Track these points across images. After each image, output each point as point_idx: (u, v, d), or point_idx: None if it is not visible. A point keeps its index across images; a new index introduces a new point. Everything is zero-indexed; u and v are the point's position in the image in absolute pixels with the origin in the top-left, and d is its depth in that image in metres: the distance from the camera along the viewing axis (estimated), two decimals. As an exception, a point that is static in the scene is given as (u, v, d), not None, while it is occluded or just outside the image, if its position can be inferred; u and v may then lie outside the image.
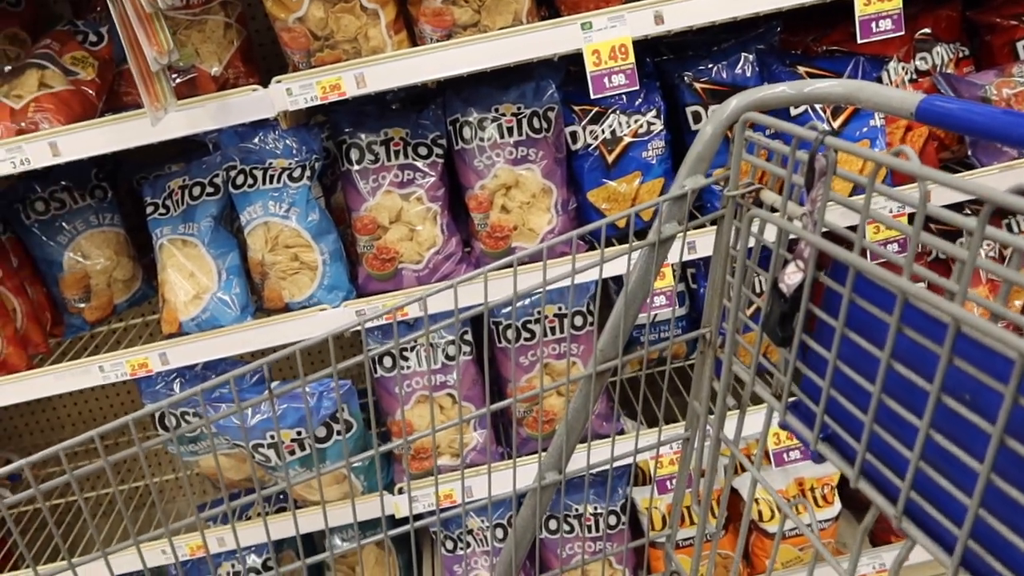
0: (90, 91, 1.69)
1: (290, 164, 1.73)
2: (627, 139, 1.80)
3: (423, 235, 1.78)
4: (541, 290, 0.98)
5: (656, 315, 2.01)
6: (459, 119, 1.76)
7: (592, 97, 1.57)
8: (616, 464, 1.85)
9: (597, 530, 2.02)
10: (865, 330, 0.75)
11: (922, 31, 1.87)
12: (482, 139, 1.75)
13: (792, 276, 0.82)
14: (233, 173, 1.77)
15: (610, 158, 1.81)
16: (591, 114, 1.81)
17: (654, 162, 1.81)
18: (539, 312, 1.85)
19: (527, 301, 1.84)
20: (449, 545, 2.06)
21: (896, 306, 0.67)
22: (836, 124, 1.77)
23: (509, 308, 1.85)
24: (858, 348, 0.76)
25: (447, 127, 1.79)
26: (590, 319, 1.88)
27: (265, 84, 1.56)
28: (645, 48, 1.89)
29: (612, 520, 2.01)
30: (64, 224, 1.92)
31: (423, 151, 1.77)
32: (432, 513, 1.95)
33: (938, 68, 1.88)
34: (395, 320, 0.93)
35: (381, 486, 1.04)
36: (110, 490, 2.38)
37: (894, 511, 0.71)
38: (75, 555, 2.24)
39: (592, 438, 1.94)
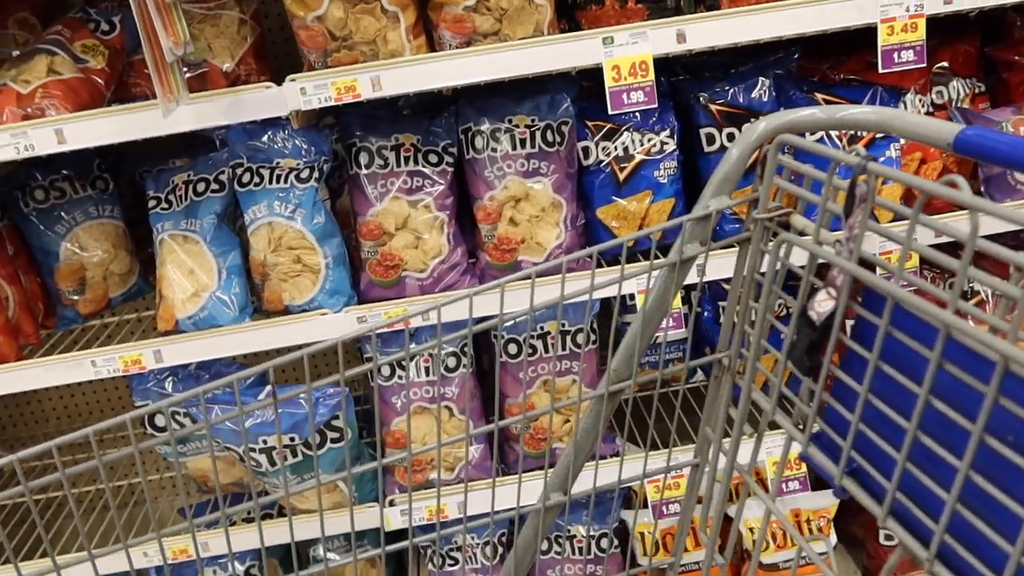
0: (99, 80, 1.66)
1: (298, 164, 1.71)
2: (639, 157, 1.78)
3: (429, 243, 1.75)
4: (557, 305, 0.95)
5: (659, 337, 1.98)
6: (471, 128, 1.74)
7: (610, 113, 1.55)
8: (620, 488, 1.83)
9: (590, 552, 1.99)
10: (899, 362, 0.72)
11: (940, 64, 1.87)
12: (494, 149, 1.73)
13: (823, 304, 0.79)
14: (239, 171, 1.74)
15: (621, 176, 1.79)
16: (604, 130, 1.79)
17: (665, 182, 1.80)
18: (542, 328, 1.82)
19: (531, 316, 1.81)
20: (438, 561, 2.02)
21: (938, 340, 0.65)
22: (851, 153, 1.76)
23: (512, 322, 1.82)
24: (890, 380, 0.74)
25: (459, 135, 1.77)
26: (592, 337, 1.86)
27: (277, 83, 1.54)
28: (661, 67, 1.87)
29: (605, 543, 1.98)
30: (63, 214, 1.89)
31: (433, 158, 1.75)
32: (422, 528, 1.91)
33: (954, 102, 1.87)
34: (407, 328, 0.90)
35: (382, 499, 1.01)
36: (91, 488, 2.33)
37: (926, 553, 0.68)
38: (56, 553, 2.19)
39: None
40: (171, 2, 1.20)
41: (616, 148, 1.79)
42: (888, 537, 2.10)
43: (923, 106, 1.84)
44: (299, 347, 1.02)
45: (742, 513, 1.04)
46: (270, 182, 1.71)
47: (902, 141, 1.77)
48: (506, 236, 1.75)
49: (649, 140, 1.79)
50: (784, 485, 1.91)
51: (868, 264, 0.80)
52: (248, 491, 2.01)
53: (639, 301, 1.73)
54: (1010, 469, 0.60)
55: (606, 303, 2.15)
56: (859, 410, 0.76)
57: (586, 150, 1.80)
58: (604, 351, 2.03)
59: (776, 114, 0.92)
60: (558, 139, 1.73)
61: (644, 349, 1.03)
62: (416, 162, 1.74)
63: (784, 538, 2.03)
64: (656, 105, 1.56)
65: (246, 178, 1.73)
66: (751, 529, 2.04)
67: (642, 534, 2.02)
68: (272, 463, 1.75)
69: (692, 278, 1.75)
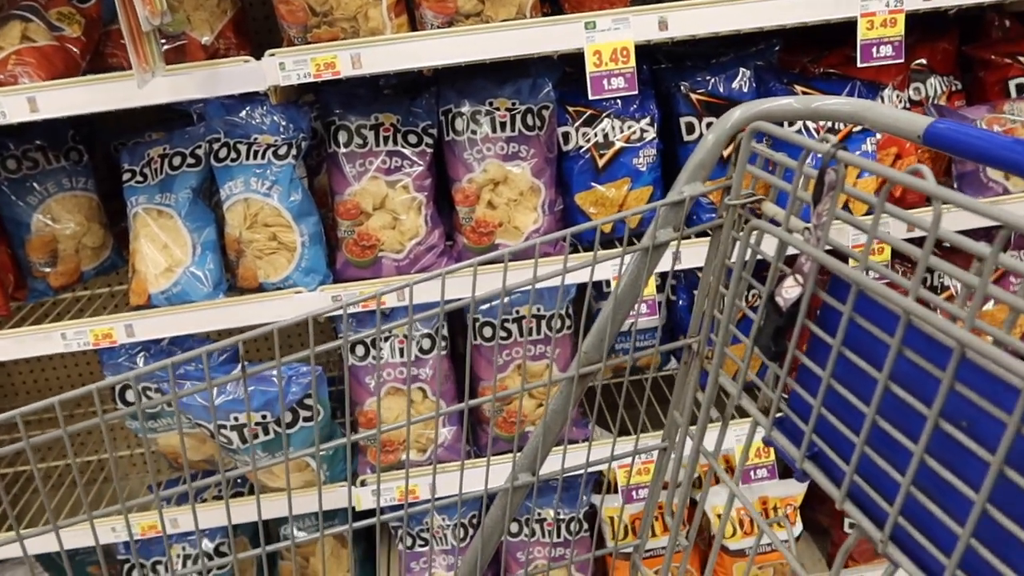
0: (74, 49, 1.63)
1: (276, 141, 1.69)
2: (619, 144, 1.78)
3: (406, 224, 1.74)
4: (529, 287, 0.96)
5: (635, 323, 1.99)
6: (452, 110, 1.73)
7: (590, 98, 1.55)
8: (584, 471, 1.84)
9: (559, 536, 2.00)
10: (861, 349, 0.73)
11: (918, 61, 1.88)
12: (474, 132, 1.72)
13: (790, 290, 0.80)
14: (216, 145, 1.72)
15: (601, 162, 1.80)
16: (585, 116, 1.79)
17: (644, 169, 1.80)
18: (517, 312, 1.83)
19: (507, 299, 1.82)
20: (408, 541, 2.02)
21: (899, 327, 0.66)
22: (828, 146, 1.77)
23: (486, 305, 1.82)
24: (852, 367, 0.75)
25: (439, 117, 1.76)
26: (568, 322, 1.87)
27: (256, 58, 1.52)
28: (643, 54, 1.87)
29: (575, 526, 2.00)
30: (35, 184, 1.86)
31: (413, 139, 1.74)
32: (393, 508, 1.92)
33: (930, 99, 1.89)
34: (378, 307, 0.90)
35: (350, 477, 1.01)
36: (60, 463, 2.31)
37: (880, 535, 0.70)
38: (22, 527, 2.17)
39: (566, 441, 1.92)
40: (148, -30, 1.18)
41: (596, 134, 1.79)
42: (852, 525, 2.14)
43: (900, 102, 1.86)
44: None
45: (707, 498, 1.06)
46: (247, 158, 1.70)
47: (878, 136, 1.79)
48: (484, 219, 1.75)
49: (629, 127, 1.79)
50: (752, 473, 1.93)
51: (837, 253, 0.81)
52: (218, 469, 2.01)
53: (615, 287, 1.74)
54: (963, 454, 0.62)
55: (583, 289, 2.16)
56: (821, 395, 0.77)
57: (566, 135, 1.80)
58: (579, 337, 2.04)
59: (752, 102, 0.93)
60: (538, 123, 1.73)
61: (615, 333, 1.04)
62: (395, 142, 1.74)
63: (751, 525, 2.05)
64: (637, 92, 1.57)
65: (223, 153, 1.71)
66: (719, 515, 2.07)
67: (611, 518, 2.04)
68: (244, 440, 1.74)
69: (670, 266, 1.77)
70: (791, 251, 0.84)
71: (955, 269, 0.62)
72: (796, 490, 2.06)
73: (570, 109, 1.80)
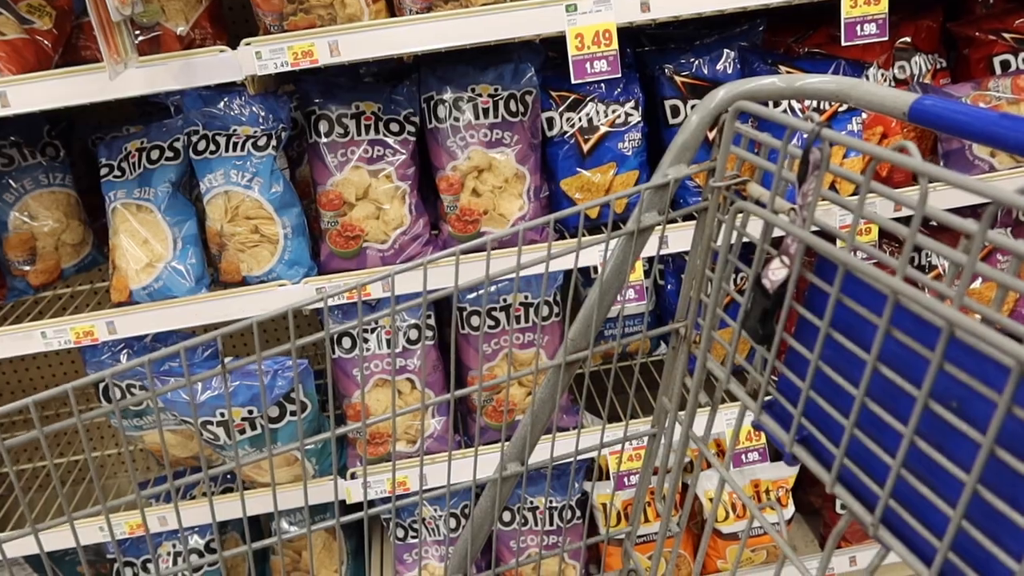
0: (46, 41, 1.60)
1: (255, 132, 1.67)
2: (604, 128, 1.77)
3: (390, 214, 1.72)
4: (513, 275, 0.94)
5: (624, 308, 1.98)
6: (434, 97, 1.71)
7: (573, 82, 1.53)
8: (577, 459, 1.83)
9: (552, 523, 2.00)
10: (850, 331, 0.72)
11: (902, 40, 1.87)
12: (456, 119, 1.70)
13: (776, 272, 0.79)
14: (195, 138, 1.69)
15: (586, 147, 1.78)
16: (569, 101, 1.77)
17: (630, 154, 1.79)
18: (505, 300, 1.81)
19: (494, 288, 1.80)
20: (400, 533, 2.02)
21: (887, 307, 0.65)
22: (813, 127, 1.76)
23: (474, 294, 1.81)
24: (840, 349, 0.74)
25: (421, 104, 1.74)
26: (556, 310, 1.85)
27: (233, 48, 1.49)
28: (626, 37, 1.85)
29: (567, 514, 1.99)
30: (11, 181, 1.82)
31: (395, 127, 1.72)
32: (385, 500, 1.91)
33: (915, 78, 1.88)
34: (359, 298, 0.89)
35: (336, 470, 1.00)
36: (47, 463, 2.29)
37: (871, 518, 0.69)
38: (5, 530, 2.15)
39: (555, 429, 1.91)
40: (116, -41, 1.15)
41: (580, 119, 1.77)
42: (844, 507, 2.14)
43: (885, 80, 1.85)
44: (250, 316, 0.99)
45: (697, 483, 1.05)
46: (226, 150, 1.67)
47: (864, 115, 1.78)
48: (469, 207, 1.74)
49: (614, 111, 1.77)
50: (744, 456, 1.93)
51: (824, 233, 0.79)
52: (209, 465, 1.99)
53: (600, 273, 1.73)
54: (953, 435, 0.61)
55: (570, 275, 2.14)
56: (810, 378, 0.76)
57: (550, 121, 1.78)
58: (567, 324, 2.03)
59: (735, 82, 0.92)
60: (522, 109, 1.71)
61: (602, 320, 1.02)
62: (377, 131, 1.71)
63: (743, 508, 2.05)
64: (620, 75, 1.55)
65: (201, 145, 1.69)
66: (711, 499, 2.07)
67: (604, 505, 2.03)
68: (231, 436, 1.73)
69: (662, 251, 1.75)
70: (778, 232, 0.82)
71: (942, 247, 0.61)
72: (788, 472, 2.06)
73: (554, 94, 1.77)
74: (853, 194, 1.76)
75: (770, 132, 0.91)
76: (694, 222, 0.99)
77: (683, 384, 1.04)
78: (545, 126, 1.78)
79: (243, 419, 1.73)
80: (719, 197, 0.93)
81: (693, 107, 1.77)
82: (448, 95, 1.70)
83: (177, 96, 1.71)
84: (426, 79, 1.72)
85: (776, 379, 0.85)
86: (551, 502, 1.98)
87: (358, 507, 2.01)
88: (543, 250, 1.71)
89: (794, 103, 1.76)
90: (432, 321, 1.84)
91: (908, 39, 1.88)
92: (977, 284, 1.92)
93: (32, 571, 2.17)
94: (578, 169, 1.79)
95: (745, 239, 0.90)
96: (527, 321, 1.83)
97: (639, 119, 1.78)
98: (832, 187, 1.76)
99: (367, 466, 1.85)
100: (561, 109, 1.77)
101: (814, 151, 0.74)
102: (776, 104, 1.76)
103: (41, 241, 1.86)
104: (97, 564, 2.23)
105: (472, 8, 1.48)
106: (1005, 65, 1.87)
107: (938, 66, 1.92)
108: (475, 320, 1.82)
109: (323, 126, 1.69)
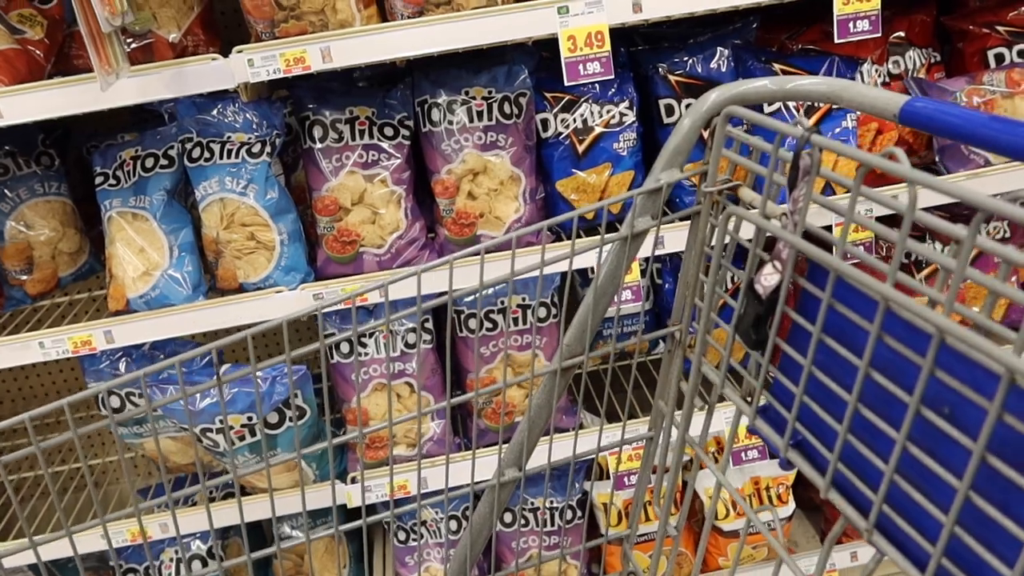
0: (38, 52, 1.60)
1: (249, 139, 1.67)
2: (599, 129, 1.76)
3: (386, 219, 1.72)
4: (508, 281, 0.94)
5: (621, 310, 1.98)
6: (428, 100, 1.71)
7: (566, 84, 1.53)
8: (575, 461, 1.84)
9: (552, 524, 2.00)
10: (842, 336, 0.72)
11: (896, 35, 1.87)
12: (451, 122, 1.70)
13: (769, 278, 0.79)
14: (189, 145, 1.69)
15: (581, 148, 1.78)
16: (563, 102, 1.77)
17: (625, 154, 1.78)
18: (503, 303, 1.81)
19: (490, 291, 1.80)
20: (401, 536, 2.02)
21: (878, 313, 0.65)
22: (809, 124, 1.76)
23: (471, 298, 1.81)
24: (833, 354, 0.74)
25: (415, 108, 1.74)
26: (554, 311, 1.85)
27: (226, 54, 1.49)
28: (619, 37, 1.85)
29: (568, 515, 1.99)
30: (7, 191, 1.83)
31: (389, 132, 1.72)
32: (386, 504, 1.91)
33: (910, 72, 1.88)
34: (354, 306, 0.89)
35: (333, 477, 1.00)
36: (52, 470, 2.29)
37: (865, 524, 0.69)
38: (10, 536, 2.15)
39: (552, 432, 1.91)
40: (105, -30, 1.15)
41: (575, 120, 1.77)
42: (845, 502, 2.14)
43: (880, 76, 1.85)
44: (255, 325, 0.99)
45: (694, 484, 1.05)
46: (221, 157, 1.67)
47: (858, 112, 1.77)
48: (465, 210, 1.73)
49: (608, 112, 1.77)
50: (743, 454, 1.93)
51: (815, 238, 0.79)
52: (208, 471, 1.99)
53: (594, 279, 1.73)
54: (945, 441, 0.61)
55: (571, 278, 2.14)
56: (803, 383, 0.76)
57: (545, 122, 1.78)
58: (564, 326, 2.03)
59: (726, 85, 0.91)
60: (516, 111, 1.71)
61: (597, 324, 1.02)
62: (371, 136, 1.71)
63: (744, 506, 2.05)
64: (613, 76, 1.54)
65: (196, 153, 1.69)
66: (711, 496, 2.07)
67: (604, 505, 2.04)
68: (231, 443, 1.73)
69: (659, 251, 1.75)
70: (770, 236, 0.82)
71: (933, 252, 0.61)
72: (788, 469, 2.06)
73: (548, 95, 1.77)
74: (846, 195, 1.76)
75: (763, 135, 0.91)
76: (691, 223, 0.98)
77: (679, 387, 1.05)
78: (540, 128, 1.78)
79: (243, 425, 1.73)
80: (711, 201, 0.93)
81: (687, 105, 1.77)
82: (442, 98, 1.70)
83: (171, 104, 1.71)
84: (419, 83, 1.72)
85: (770, 383, 0.85)
86: (551, 503, 1.98)
87: (359, 510, 2.01)
88: (539, 252, 1.70)
89: (789, 103, 1.75)
90: (430, 324, 1.84)
91: (902, 34, 1.88)
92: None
93: (35, 579, 2.18)
94: (573, 170, 1.79)
95: (738, 242, 0.90)
96: (524, 323, 1.83)
97: (634, 119, 1.78)
98: (826, 187, 1.76)
99: (367, 470, 1.85)
100: (555, 110, 1.77)
101: (804, 156, 0.73)
102: (770, 104, 1.76)
103: (38, 250, 1.86)
104: (101, 571, 2.24)
105: (463, 12, 1.48)
106: (999, 58, 1.86)
107: (932, 60, 1.92)
108: (472, 323, 1.82)
109: (317, 131, 1.69)
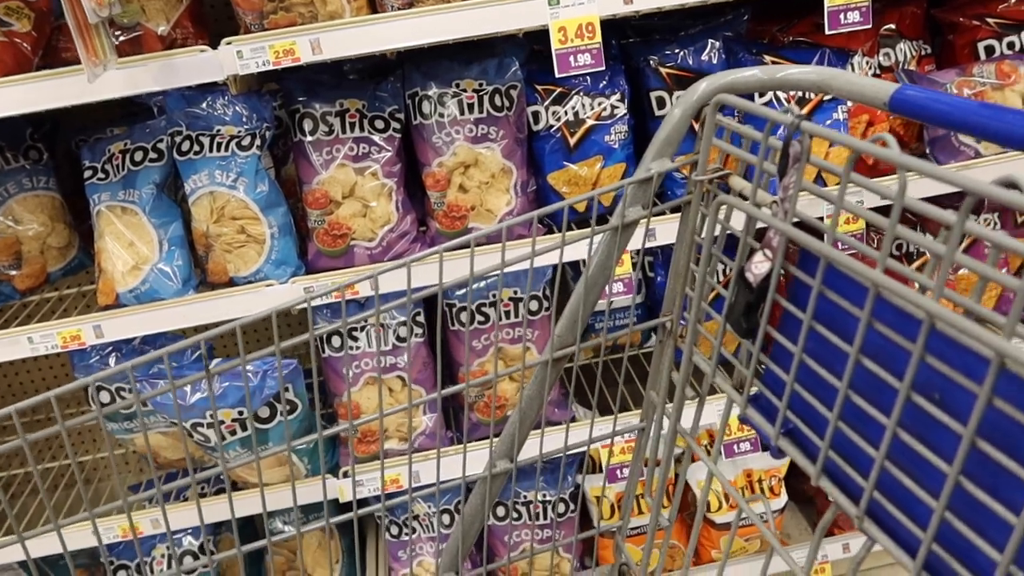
0: (25, 44, 1.58)
1: (239, 132, 1.66)
2: (590, 122, 1.76)
3: (377, 212, 1.72)
4: (498, 272, 0.94)
5: (613, 302, 1.98)
6: (418, 93, 1.70)
7: (557, 76, 1.53)
8: (567, 454, 1.84)
9: (545, 518, 2.00)
10: (833, 324, 0.72)
11: (887, 27, 1.87)
12: (441, 115, 1.69)
13: (759, 266, 0.79)
14: (178, 139, 1.68)
15: (572, 140, 1.77)
16: (554, 94, 1.76)
17: (616, 147, 1.78)
18: (494, 295, 1.81)
19: (482, 284, 1.80)
20: (394, 530, 2.02)
21: (868, 300, 0.65)
22: (799, 116, 1.76)
23: (463, 291, 1.80)
24: (824, 342, 0.74)
25: (406, 101, 1.73)
26: (546, 304, 1.85)
27: (215, 47, 1.48)
28: (610, 29, 1.85)
29: (561, 508, 1.99)
30: (-6, 186, 1.81)
31: (380, 124, 1.71)
32: (378, 498, 1.90)
33: (900, 65, 1.88)
34: (344, 298, 0.88)
35: (324, 470, 0.99)
36: (40, 467, 2.28)
37: (856, 511, 0.69)
38: (2, 532, 2.14)
39: (544, 425, 1.91)
40: (91, -40, 1.14)
41: (566, 112, 1.76)
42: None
43: (870, 68, 1.85)
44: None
45: (685, 476, 1.05)
46: (210, 150, 1.66)
47: (849, 103, 1.77)
48: (456, 203, 1.73)
49: (599, 104, 1.76)
50: (736, 446, 1.94)
51: (807, 226, 0.79)
52: (200, 466, 1.99)
53: (585, 269, 1.73)
54: (935, 426, 0.61)
55: (564, 271, 2.14)
56: (794, 371, 0.76)
57: (536, 115, 1.77)
58: (557, 318, 2.03)
59: (716, 75, 0.91)
60: (507, 103, 1.70)
61: (588, 315, 1.02)
62: (362, 128, 1.70)
63: (736, 498, 2.06)
64: (604, 68, 1.54)
65: (185, 146, 1.67)
66: (703, 490, 2.08)
67: (597, 498, 2.04)
68: (221, 438, 1.72)
69: (651, 244, 1.75)
70: (761, 225, 0.82)
71: (922, 238, 0.61)
72: (781, 461, 2.07)
73: (539, 88, 1.77)
74: (837, 184, 1.76)
75: (753, 124, 0.91)
76: (681, 214, 0.98)
77: (670, 378, 1.04)
78: (531, 120, 1.77)
79: (233, 420, 1.72)
80: (702, 190, 0.93)
81: (679, 98, 1.77)
82: (433, 91, 1.69)
83: (160, 97, 1.70)
84: (410, 75, 1.72)
85: (762, 372, 0.85)
86: (543, 496, 1.98)
87: (351, 505, 2.00)
88: (529, 245, 1.70)
89: (780, 94, 1.75)
90: (421, 318, 1.84)
91: (892, 26, 1.88)
92: (965, 271, 1.93)
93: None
94: (565, 163, 1.78)
95: (729, 232, 0.90)
96: (516, 316, 1.83)
97: (625, 111, 1.77)
98: (819, 177, 1.76)
99: (358, 464, 1.85)
100: (546, 103, 1.76)
101: (794, 144, 0.73)
102: (761, 95, 1.76)
103: (26, 245, 1.84)
104: (92, 567, 2.23)
105: (454, 3, 1.48)
106: (989, 50, 1.87)
107: (923, 52, 1.92)
108: (464, 316, 1.81)
109: (307, 124, 1.68)
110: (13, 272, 1.85)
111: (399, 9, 1.50)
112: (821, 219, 1.75)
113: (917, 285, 0.63)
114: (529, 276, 0.96)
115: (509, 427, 1.07)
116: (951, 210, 0.58)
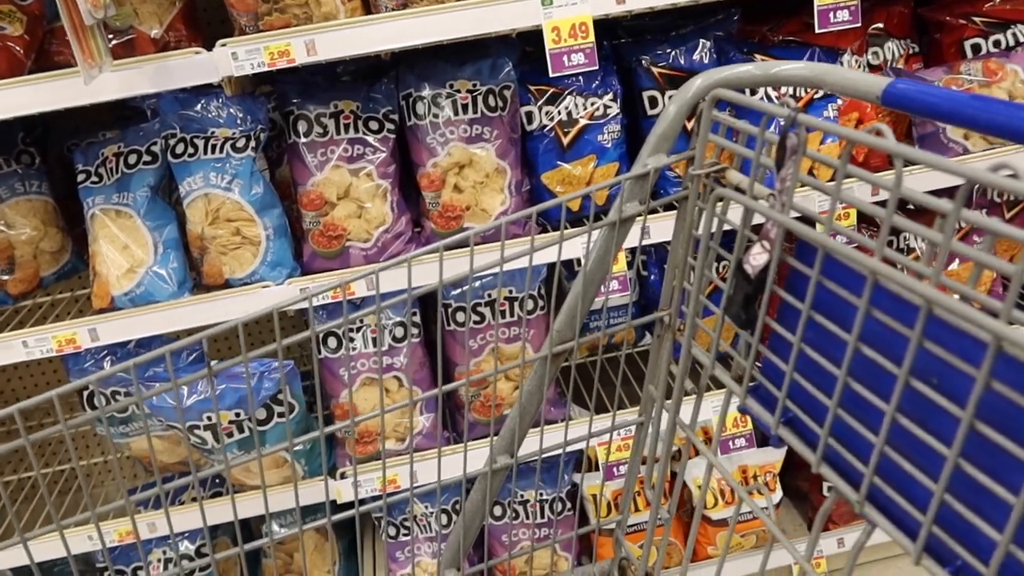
0: (17, 48, 1.58)
1: (234, 134, 1.66)
2: (583, 121, 1.77)
3: (372, 212, 1.72)
4: (496, 269, 0.95)
5: (608, 300, 1.99)
6: (412, 94, 1.71)
7: (551, 75, 1.54)
8: (566, 449, 1.84)
9: (543, 516, 2.01)
10: (831, 313, 0.73)
11: (875, 26, 1.89)
12: (436, 115, 1.70)
13: (757, 257, 0.80)
14: (172, 141, 1.68)
15: (565, 140, 1.79)
16: (547, 94, 1.77)
17: (609, 146, 1.79)
18: (490, 295, 1.81)
19: (478, 283, 1.80)
20: (392, 532, 2.02)
21: (866, 288, 0.66)
22: (790, 114, 1.78)
23: (459, 291, 1.81)
24: (822, 331, 0.75)
25: (400, 102, 1.74)
26: (541, 303, 1.86)
27: (208, 49, 1.49)
28: (603, 30, 1.86)
29: (558, 506, 2.00)
30: (-14, 190, 1.81)
31: (374, 125, 1.72)
32: (376, 498, 1.91)
33: (889, 63, 1.90)
34: (344, 297, 0.89)
35: (325, 469, 1.00)
36: (33, 473, 2.27)
37: (856, 496, 0.70)
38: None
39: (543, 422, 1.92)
40: (87, -39, 1.14)
41: (559, 112, 1.78)
42: (830, 488, 2.16)
43: (859, 67, 1.87)
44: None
45: (685, 470, 1.06)
46: (205, 152, 1.66)
47: (839, 102, 1.79)
48: (451, 203, 1.74)
49: (592, 104, 1.78)
50: (731, 443, 1.95)
51: (803, 218, 0.80)
52: (197, 470, 1.98)
53: (583, 264, 1.74)
54: (934, 411, 0.62)
55: (554, 269, 2.15)
56: (793, 360, 0.77)
57: (529, 115, 1.78)
58: (551, 317, 2.04)
59: (712, 70, 0.93)
60: (500, 104, 1.71)
61: (586, 310, 1.03)
62: (356, 130, 1.71)
63: (732, 495, 2.07)
64: (597, 67, 1.55)
65: (180, 149, 1.67)
66: (699, 487, 2.09)
67: (594, 496, 2.05)
68: (218, 440, 1.72)
69: (646, 242, 1.76)
70: (758, 218, 0.83)
71: (918, 226, 0.62)
72: (775, 457, 2.08)
73: (532, 88, 1.78)
74: (831, 179, 1.78)
75: (748, 119, 0.92)
76: (675, 212, 0.99)
77: (669, 372, 1.05)
78: (524, 120, 1.78)
79: (230, 422, 1.72)
80: (699, 185, 0.94)
81: (671, 97, 1.78)
82: (427, 91, 1.70)
83: (153, 100, 1.70)
84: (404, 76, 1.72)
85: (760, 363, 0.86)
86: (541, 495, 1.99)
87: (349, 507, 2.00)
88: (525, 243, 1.71)
89: (771, 91, 1.77)
90: (418, 318, 1.84)
91: (880, 25, 1.90)
92: (955, 266, 1.95)
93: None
94: (558, 162, 1.79)
95: (726, 226, 0.91)
96: (512, 315, 1.83)
97: (618, 111, 1.78)
98: (811, 172, 1.78)
99: (357, 465, 1.85)
100: (540, 103, 1.77)
101: (791, 136, 0.74)
102: (753, 92, 1.77)
103: (19, 250, 1.84)
104: (86, 575, 2.22)
105: (448, 4, 1.48)
106: (976, 49, 1.89)
107: (911, 51, 1.94)
108: (461, 316, 1.82)
109: (302, 126, 1.68)
110: (6, 276, 1.84)
111: (393, 10, 1.50)
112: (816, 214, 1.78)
113: (914, 274, 0.64)
114: (528, 272, 0.97)
115: (509, 422, 1.08)
116: (946, 198, 0.60)
